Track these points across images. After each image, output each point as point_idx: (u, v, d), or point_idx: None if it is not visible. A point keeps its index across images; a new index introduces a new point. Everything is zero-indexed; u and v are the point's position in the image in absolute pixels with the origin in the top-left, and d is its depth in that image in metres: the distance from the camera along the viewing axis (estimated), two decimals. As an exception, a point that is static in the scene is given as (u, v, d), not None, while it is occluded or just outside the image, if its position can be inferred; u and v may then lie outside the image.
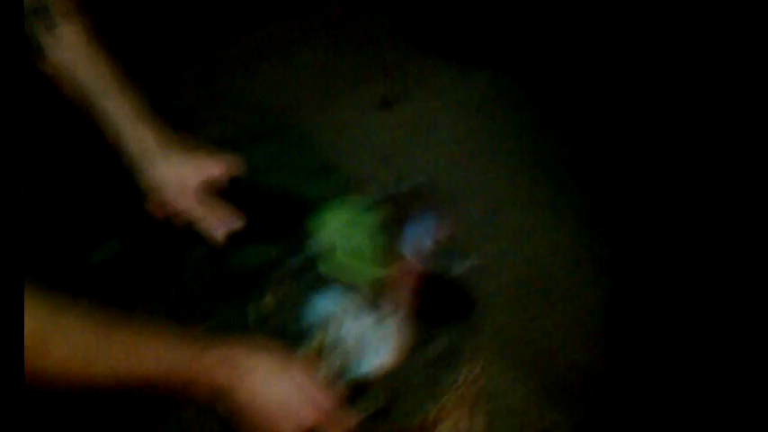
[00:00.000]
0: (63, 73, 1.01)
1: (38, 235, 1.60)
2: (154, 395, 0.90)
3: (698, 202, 1.65)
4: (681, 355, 1.45)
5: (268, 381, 0.91)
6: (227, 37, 2.22)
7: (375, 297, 1.00)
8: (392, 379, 0.99)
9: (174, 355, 0.88)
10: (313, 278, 1.06)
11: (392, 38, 2.22)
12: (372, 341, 0.98)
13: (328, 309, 1.03)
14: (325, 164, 1.81)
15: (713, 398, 1.32)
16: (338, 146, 1.89)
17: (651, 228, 1.68)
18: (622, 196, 1.75)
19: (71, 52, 1.01)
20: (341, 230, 1.00)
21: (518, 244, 1.67)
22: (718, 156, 1.62)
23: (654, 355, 1.47)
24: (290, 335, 1.05)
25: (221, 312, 1.47)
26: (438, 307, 1.08)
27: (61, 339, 0.81)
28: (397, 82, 2.07)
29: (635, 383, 1.44)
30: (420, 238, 1.05)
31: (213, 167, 1.07)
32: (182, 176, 1.05)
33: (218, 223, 1.07)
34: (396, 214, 1.05)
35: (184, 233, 1.65)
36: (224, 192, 1.07)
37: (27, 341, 0.77)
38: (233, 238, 1.13)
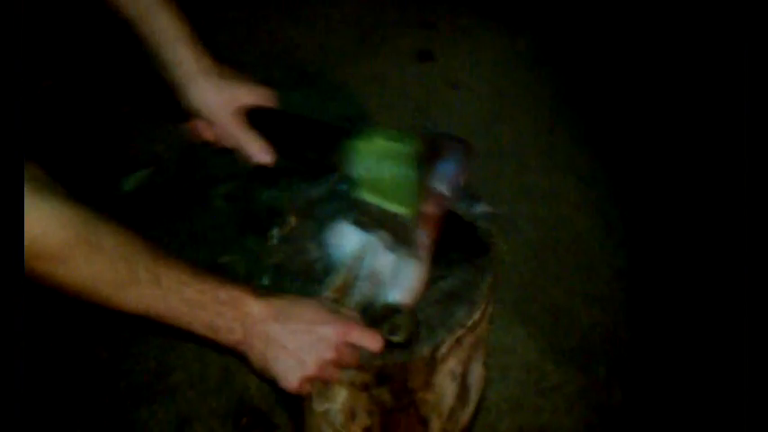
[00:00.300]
0: None
1: (70, 162, 1.65)
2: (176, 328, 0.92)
3: (727, 168, 1.61)
4: (702, 325, 1.43)
5: (277, 328, 0.93)
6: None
7: (400, 229, 1.00)
8: (414, 312, 1.00)
9: (193, 294, 0.89)
10: (338, 205, 1.06)
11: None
12: (396, 274, 0.98)
13: (352, 239, 1.03)
14: (360, 111, 1.82)
15: (729, 368, 1.30)
16: (375, 95, 1.89)
17: (675, 196, 1.65)
18: (649, 163, 1.74)
19: None
20: (375, 159, 0.98)
21: (545, 204, 1.67)
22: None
23: (675, 319, 1.46)
24: (312, 259, 1.06)
25: (246, 243, 1.50)
26: (456, 245, 1.08)
27: (93, 253, 0.82)
28: (437, 36, 2.05)
29: (655, 347, 1.43)
30: (450, 177, 1.05)
31: (253, 95, 1.07)
32: (224, 100, 1.05)
33: (256, 150, 1.06)
34: (428, 152, 1.04)
35: (212, 168, 1.69)
36: (258, 122, 1.06)
37: (57, 250, 0.79)
38: (266, 170, 1.13)
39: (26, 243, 0.76)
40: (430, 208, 0.99)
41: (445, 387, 1.08)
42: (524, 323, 1.46)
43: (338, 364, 0.95)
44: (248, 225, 1.56)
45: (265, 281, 1.04)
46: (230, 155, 1.24)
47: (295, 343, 0.93)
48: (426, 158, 1.03)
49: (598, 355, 1.41)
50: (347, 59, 1.99)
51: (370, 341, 0.95)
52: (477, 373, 1.18)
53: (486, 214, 1.12)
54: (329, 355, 0.93)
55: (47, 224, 0.78)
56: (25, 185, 0.76)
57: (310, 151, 1.06)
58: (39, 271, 0.79)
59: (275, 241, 1.08)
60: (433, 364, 1.01)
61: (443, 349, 1.00)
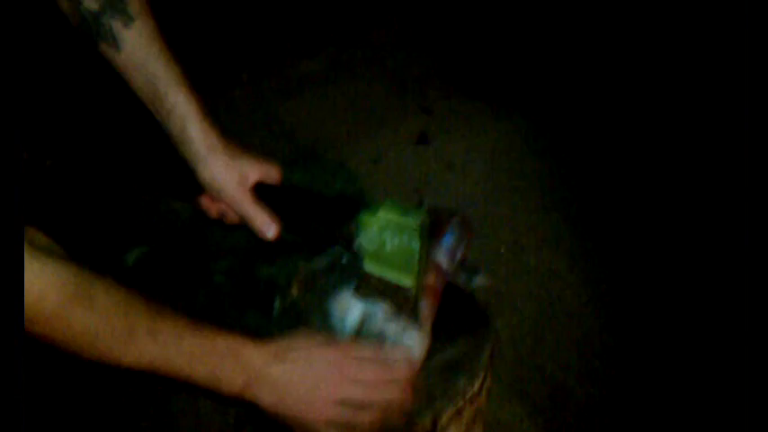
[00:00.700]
0: (136, 65, 1.04)
1: (73, 234, 1.67)
2: (175, 381, 0.93)
3: (720, 245, 1.66)
4: (702, 399, 1.44)
5: (280, 368, 0.93)
6: (271, 67, 2.31)
7: (403, 300, 1.02)
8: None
9: (190, 346, 0.90)
10: (340, 275, 1.09)
11: (433, 78, 2.29)
12: (397, 344, 1.00)
13: (354, 310, 1.05)
14: (360, 189, 1.87)
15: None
16: (374, 175, 1.95)
17: (669, 270, 1.69)
18: (637, 244, 1.78)
19: (146, 46, 1.04)
20: (379, 231, 1.01)
21: (540, 281, 1.70)
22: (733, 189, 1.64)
23: (672, 398, 1.47)
24: (314, 330, 1.08)
25: (248, 317, 1.52)
26: (455, 317, 1.10)
27: (88, 310, 0.83)
28: (435, 120, 2.12)
29: (651, 420, 1.43)
30: (450, 250, 1.09)
31: (260, 171, 1.10)
32: (233, 175, 1.07)
33: (262, 223, 1.08)
34: (433, 225, 1.08)
35: (212, 244, 1.72)
36: (265, 196, 1.09)
37: (54, 311, 0.80)
38: (267, 246, 1.16)
39: (25, 308, 0.77)
40: (431, 279, 1.02)
41: (445, 459, 1.08)
42: (522, 400, 1.47)
43: (347, 376, 0.95)
44: (249, 301, 1.58)
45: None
46: (231, 231, 1.27)
47: (299, 371, 0.94)
48: (434, 233, 1.07)
49: (593, 430, 1.41)
50: (347, 140, 2.05)
51: (370, 353, 0.97)
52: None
53: (485, 287, 1.15)
54: (335, 368, 0.94)
55: (43, 286, 0.79)
56: (24, 250, 0.77)
57: (315, 224, 1.09)
58: (39, 333, 0.80)
59: (276, 312, 1.10)
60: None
61: (444, 419, 1.01)
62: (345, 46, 2.42)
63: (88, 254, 1.66)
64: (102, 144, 1.87)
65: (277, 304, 1.10)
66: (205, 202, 1.12)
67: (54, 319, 0.80)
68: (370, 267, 1.04)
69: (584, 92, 2.18)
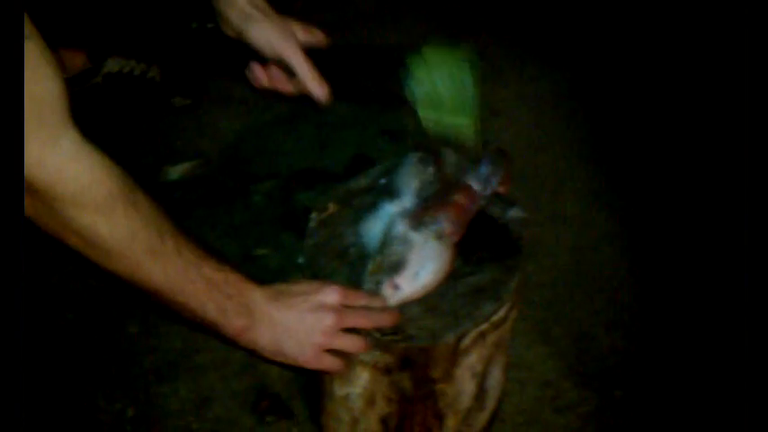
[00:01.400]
0: None
1: (118, 149, 1.70)
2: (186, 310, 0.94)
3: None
4: (724, 356, 1.43)
5: (278, 307, 0.96)
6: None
7: (431, 212, 1.03)
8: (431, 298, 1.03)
9: (210, 271, 0.92)
10: (378, 195, 1.10)
11: (488, 23, 2.27)
12: (419, 257, 1.02)
13: (384, 226, 1.07)
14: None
15: (749, 398, 1.31)
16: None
17: (707, 232, 1.67)
18: (679, 203, 1.77)
19: None
20: (430, 75, 0.98)
21: (575, 230, 1.70)
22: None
23: (699, 353, 1.46)
24: (347, 243, 1.10)
25: (280, 239, 1.55)
26: (487, 245, 1.11)
27: (131, 209, 0.84)
28: (486, 65, 2.10)
29: (673, 373, 1.43)
30: (487, 177, 1.09)
31: (307, 33, 1.09)
32: (283, 35, 1.06)
33: (314, 84, 1.07)
34: (471, 151, 1.08)
35: (254, 166, 1.74)
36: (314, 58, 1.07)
37: (102, 201, 0.81)
38: (306, 173, 1.16)
39: (74, 192, 0.79)
40: (460, 198, 1.03)
41: (465, 383, 1.10)
42: (546, 342, 1.47)
43: (343, 327, 0.97)
44: (284, 222, 1.61)
45: (302, 259, 1.08)
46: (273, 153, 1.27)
47: (296, 317, 0.96)
48: (471, 156, 1.07)
49: (615, 379, 1.42)
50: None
51: (369, 301, 0.99)
52: (496, 378, 1.20)
53: (519, 219, 1.15)
54: (330, 320, 0.96)
55: (95, 174, 0.81)
56: (77, 137, 0.79)
57: (365, 80, 1.07)
58: (81, 222, 0.82)
59: (313, 224, 1.12)
60: (455, 353, 1.03)
61: (467, 340, 1.03)
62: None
63: (134, 166, 1.71)
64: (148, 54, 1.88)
65: (313, 216, 1.12)
66: (256, 69, 1.11)
67: (101, 209, 0.81)
68: (426, 114, 1.01)
69: (631, 48, 2.15)
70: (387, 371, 1.03)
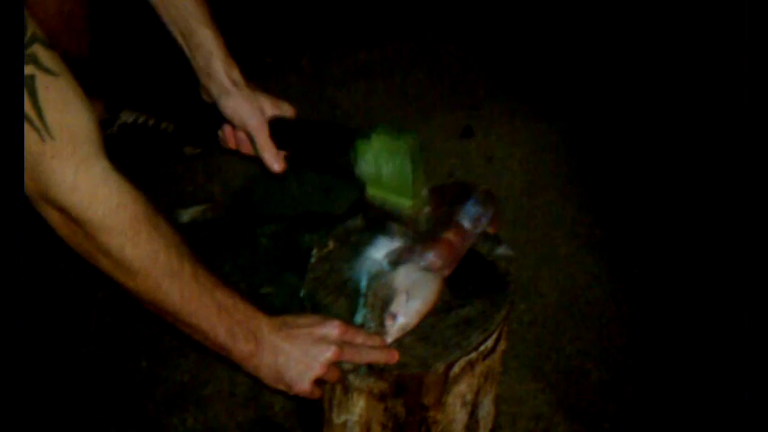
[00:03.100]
0: (171, 1, 1.14)
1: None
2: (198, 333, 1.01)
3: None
4: (716, 391, 1.49)
5: (282, 337, 1.03)
6: (331, 54, 2.44)
7: (421, 248, 1.11)
8: (423, 329, 1.11)
9: (222, 297, 0.98)
10: (373, 234, 1.19)
11: (482, 78, 2.38)
12: (410, 287, 1.09)
13: (377, 262, 1.16)
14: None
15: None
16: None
17: (693, 273, 1.74)
18: (667, 245, 1.85)
19: None
20: (375, 156, 1.07)
21: (565, 271, 1.77)
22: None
23: (685, 387, 1.52)
24: (345, 278, 1.18)
25: (284, 278, 1.63)
26: (476, 281, 1.19)
27: (154, 231, 0.91)
28: (481, 116, 2.21)
29: (661, 409, 1.49)
30: (476, 217, 1.18)
31: (276, 107, 1.20)
32: (259, 107, 1.17)
33: (270, 157, 1.18)
34: (461, 193, 1.17)
35: (261, 209, 1.84)
36: (278, 130, 1.19)
37: (128, 223, 0.88)
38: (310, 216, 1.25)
39: (103, 215, 0.86)
40: (450, 235, 1.12)
41: (456, 411, 1.17)
42: (537, 378, 1.54)
43: (341, 360, 1.05)
44: (288, 262, 1.69)
45: (303, 292, 1.16)
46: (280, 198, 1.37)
47: (299, 348, 1.03)
48: (461, 195, 1.16)
49: (605, 413, 1.48)
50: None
51: (367, 339, 1.06)
52: (487, 409, 1.27)
53: (507, 257, 1.23)
54: (330, 353, 1.03)
55: (122, 199, 0.88)
56: (107, 164, 0.87)
57: (322, 154, 1.18)
58: (109, 244, 0.88)
59: (314, 260, 1.21)
60: (446, 381, 1.10)
61: (457, 369, 1.10)
62: (402, 41, 2.53)
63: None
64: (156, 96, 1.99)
65: (314, 253, 1.21)
66: (226, 131, 1.22)
67: (127, 231, 0.88)
68: (372, 192, 1.12)
69: (622, 97, 2.26)
70: (381, 397, 1.10)
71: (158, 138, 1.99)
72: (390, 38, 2.53)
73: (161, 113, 1.97)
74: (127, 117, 1.99)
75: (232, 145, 1.24)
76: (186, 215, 1.79)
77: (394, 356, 1.06)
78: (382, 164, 1.07)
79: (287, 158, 1.19)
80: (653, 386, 1.53)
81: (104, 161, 0.87)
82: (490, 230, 1.25)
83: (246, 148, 1.23)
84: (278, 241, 1.75)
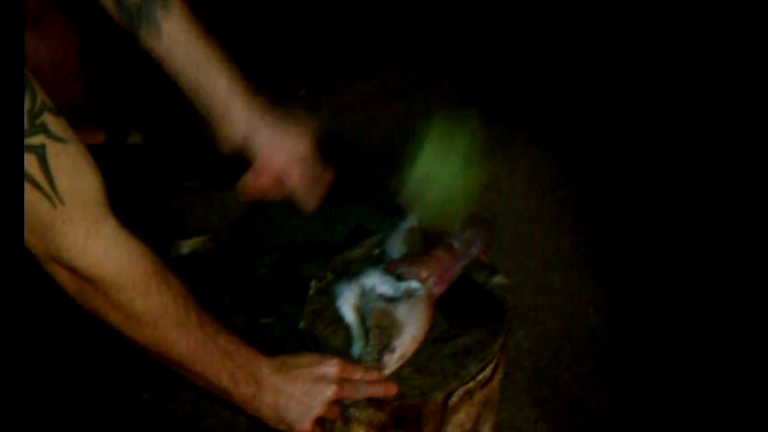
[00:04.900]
0: (177, 51, 1.10)
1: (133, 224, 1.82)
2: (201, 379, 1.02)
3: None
4: (715, 419, 1.50)
5: (282, 378, 1.04)
6: (329, 85, 2.47)
7: (409, 265, 1.13)
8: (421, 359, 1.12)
9: (225, 343, 1.00)
10: (372, 264, 1.20)
11: (479, 105, 2.40)
12: (399, 315, 1.11)
13: (372, 291, 1.17)
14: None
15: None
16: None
17: (692, 299, 1.76)
18: (665, 270, 1.86)
19: (186, 32, 1.10)
20: (431, 170, 1.11)
21: (563, 298, 1.79)
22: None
23: (687, 415, 1.53)
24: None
25: (283, 308, 1.64)
26: (473, 310, 1.20)
27: (163, 285, 0.93)
28: (480, 144, 2.23)
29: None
30: (468, 240, 1.20)
31: (307, 144, 1.17)
32: (284, 149, 1.15)
33: (302, 199, 1.18)
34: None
35: (260, 240, 1.85)
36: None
37: (139, 279, 0.90)
38: (309, 246, 1.25)
39: (114, 274, 0.88)
40: (440, 253, 1.13)
41: (455, 441, 1.18)
42: (536, 405, 1.55)
43: (341, 398, 1.06)
44: (288, 292, 1.70)
45: (302, 325, 1.18)
46: (279, 230, 1.36)
47: (299, 388, 1.05)
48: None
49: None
50: (393, 158, 2.18)
51: (365, 374, 1.07)
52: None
53: (503, 285, 1.25)
54: (330, 391, 1.05)
55: (132, 257, 0.90)
56: (116, 224, 0.89)
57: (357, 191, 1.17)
58: (121, 300, 0.90)
59: (313, 292, 1.22)
60: (445, 410, 1.11)
61: (455, 398, 1.11)
62: (399, 71, 2.56)
63: (147, 240, 1.82)
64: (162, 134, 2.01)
65: (313, 284, 1.22)
66: (250, 178, 1.19)
67: (138, 287, 0.90)
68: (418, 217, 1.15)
69: (619, 124, 2.29)
70: (381, 428, 1.11)
71: (159, 165, 2.02)
72: (388, 68, 2.56)
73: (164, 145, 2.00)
74: (134, 139, 2.02)
75: (257, 192, 1.20)
76: (186, 247, 1.80)
77: (392, 390, 1.07)
78: (435, 192, 1.11)
79: (322, 197, 1.18)
80: (651, 413, 1.54)
81: (113, 220, 0.88)
82: (483, 257, 1.27)
83: (274, 194, 1.20)
84: (277, 271, 1.76)
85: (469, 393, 1.13)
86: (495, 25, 2.74)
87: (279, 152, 1.16)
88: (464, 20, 2.77)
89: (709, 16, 2.36)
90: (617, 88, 2.42)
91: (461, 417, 1.15)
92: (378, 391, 1.06)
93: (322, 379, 1.05)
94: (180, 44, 1.10)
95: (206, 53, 1.11)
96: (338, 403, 1.07)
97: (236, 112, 1.13)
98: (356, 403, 1.09)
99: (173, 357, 0.98)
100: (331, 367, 1.06)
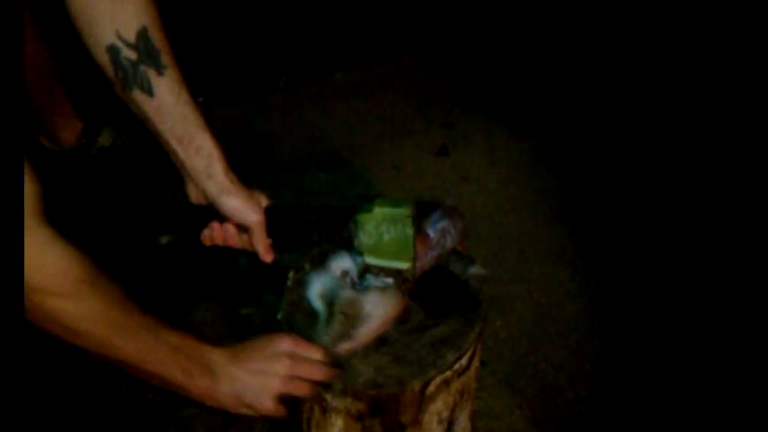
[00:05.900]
0: (168, 109, 1.13)
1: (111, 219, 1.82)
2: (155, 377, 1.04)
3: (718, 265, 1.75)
4: (693, 405, 1.52)
5: (236, 365, 1.06)
6: (308, 75, 2.47)
7: (403, 282, 1.15)
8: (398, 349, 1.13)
9: (175, 340, 1.02)
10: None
11: (457, 96, 2.42)
12: (366, 306, 1.13)
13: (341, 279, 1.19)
14: (376, 193, 2.00)
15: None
16: (393, 181, 2.08)
17: (666, 287, 1.79)
18: (639, 258, 1.89)
19: (177, 93, 1.13)
20: (374, 226, 1.14)
21: (540, 288, 1.81)
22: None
23: (662, 404, 1.56)
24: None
25: (263, 299, 1.65)
26: (449, 300, 1.22)
27: (97, 292, 0.95)
28: (456, 134, 2.25)
29: (636, 424, 1.52)
30: (443, 228, 1.21)
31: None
32: (258, 204, 1.20)
33: (262, 251, 1.23)
34: (426, 208, 1.21)
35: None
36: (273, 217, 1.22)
37: (70, 286, 0.91)
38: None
39: (46, 282, 0.89)
40: (417, 244, 1.15)
41: (432, 428, 1.19)
42: (513, 393, 1.57)
43: (296, 374, 1.07)
44: (267, 283, 1.71)
45: (280, 315, 1.19)
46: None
47: (252, 369, 1.07)
48: (427, 210, 1.20)
49: (579, 427, 1.51)
50: (372, 148, 2.19)
51: (316, 352, 1.09)
52: (463, 425, 1.29)
53: (479, 276, 1.26)
54: (282, 365, 1.07)
55: (66, 264, 0.91)
56: (48, 231, 0.89)
57: (317, 235, 1.23)
58: (50, 307, 0.92)
59: (290, 283, 1.23)
60: (422, 399, 1.13)
61: (432, 387, 1.13)
62: (379, 62, 2.57)
63: (127, 232, 1.82)
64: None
65: (290, 276, 1.23)
66: (214, 228, 1.23)
67: (68, 295, 0.92)
68: (371, 260, 1.17)
69: (596, 115, 2.32)
70: (359, 417, 1.12)
71: (136, 161, 2.01)
72: (367, 58, 2.57)
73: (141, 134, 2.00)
74: (105, 141, 2.01)
75: (219, 241, 1.25)
76: (165, 238, 1.80)
77: (334, 376, 1.09)
78: (383, 232, 1.15)
79: (274, 247, 1.24)
80: (627, 402, 1.56)
81: (45, 228, 0.89)
82: (459, 248, 1.28)
83: (234, 242, 1.25)
84: (256, 263, 1.76)
85: (447, 382, 1.15)
86: (476, 17, 2.76)
87: (246, 213, 1.19)
88: (445, 12, 2.78)
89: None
90: (596, 80, 2.45)
91: (439, 405, 1.17)
92: (327, 374, 1.08)
93: (274, 355, 1.08)
94: (170, 103, 1.13)
95: (194, 112, 1.15)
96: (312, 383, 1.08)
97: (218, 167, 1.16)
98: (334, 392, 1.10)
99: (120, 360, 1.00)
100: (281, 344, 1.08)
